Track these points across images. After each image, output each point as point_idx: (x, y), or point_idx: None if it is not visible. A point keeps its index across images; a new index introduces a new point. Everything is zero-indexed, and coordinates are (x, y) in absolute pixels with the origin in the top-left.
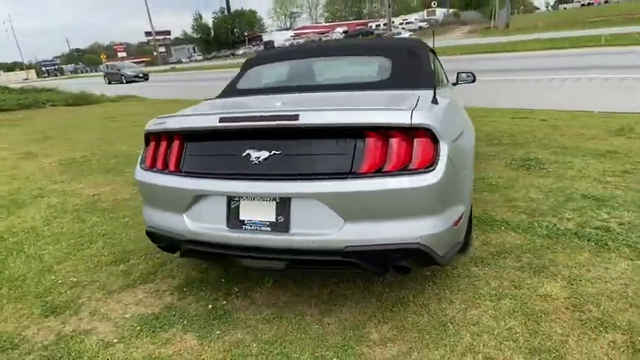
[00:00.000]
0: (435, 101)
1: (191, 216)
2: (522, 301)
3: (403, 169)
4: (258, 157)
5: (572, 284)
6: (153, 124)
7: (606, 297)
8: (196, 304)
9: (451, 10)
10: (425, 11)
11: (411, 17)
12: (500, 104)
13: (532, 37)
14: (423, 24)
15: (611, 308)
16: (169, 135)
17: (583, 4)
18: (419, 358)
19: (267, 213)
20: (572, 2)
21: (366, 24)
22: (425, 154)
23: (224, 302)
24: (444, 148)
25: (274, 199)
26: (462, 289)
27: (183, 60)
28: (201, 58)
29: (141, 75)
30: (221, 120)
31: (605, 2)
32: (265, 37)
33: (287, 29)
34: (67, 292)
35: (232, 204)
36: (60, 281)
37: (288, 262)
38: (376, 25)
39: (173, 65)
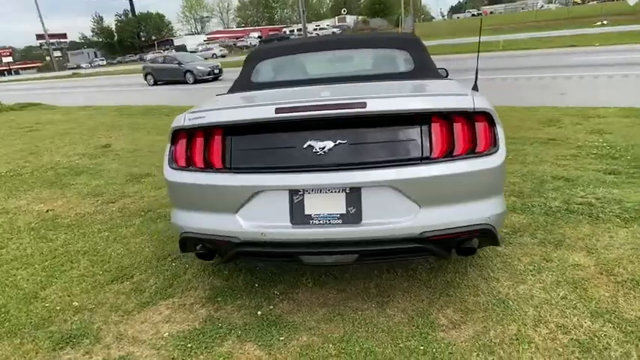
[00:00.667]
0: (475, 88)
1: (246, 215)
2: (560, 272)
3: (470, 153)
4: (323, 148)
5: (592, 253)
6: (187, 120)
7: (626, 260)
8: (239, 313)
9: (360, 17)
10: (336, 18)
11: (324, 23)
12: None
13: (437, 43)
14: (336, 30)
15: (636, 269)
16: (208, 130)
17: (473, 14)
18: (496, 336)
19: (336, 205)
20: (464, 12)
21: (279, 29)
22: (487, 137)
23: (271, 307)
24: (500, 131)
25: (344, 189)
26: (500, 267)
27: (83, 65)
28: (104, 63)
29: (217, 70)
30: (277, 111)
31: (491, 13)
32: (177, 42)
33: (198, 33)
34: (72, 318)
35: (295, 198)
36: (57, 308)
37: (359, 255)
38: (290, 31)
39: (75, 71)
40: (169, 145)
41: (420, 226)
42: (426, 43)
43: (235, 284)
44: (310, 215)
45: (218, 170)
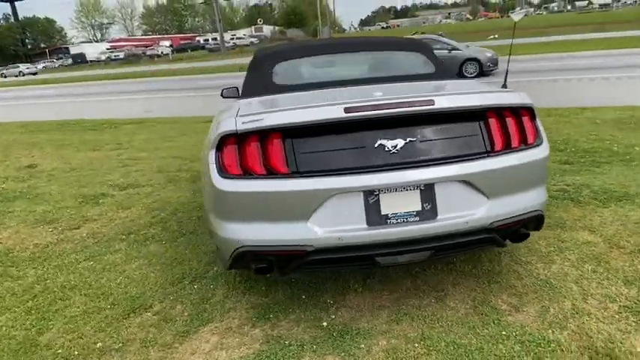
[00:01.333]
0: (505, 86)
1: (319, 221)
2: (579, 250)
3: (524, 145)
4: (395, 146)
5: (594, 231)
6: (241, 124)
7: (625, 234)
8: (300, 327)
9: (277, 28)
10: (252, 27)
11: (240, 33)
12: None
13: None
14: (254, 39)
15: (638, 240)
16: (264, 133)
17: (383, 27)
18: (558, 312)
19: (412, 203)
20: (375, 25)
21: (192, 38)
22: (533, 130)
23: (332, 317)
24: (540, 124)
25: (418, 186)
26: (526, 252)
27: None
28: None
29: None
30: (347, 110)
31: (397, 26)
32: (73, 50)
33: (98, 41)
34: None
35: (371, 199)
36: (75, 353)
37: (433, 251)
38: (204, 40)
39: None
40: (213, 152)
41: (490, 216)
42: None
43: (278, 298)
44: (387, 215)
45: (284, 176)
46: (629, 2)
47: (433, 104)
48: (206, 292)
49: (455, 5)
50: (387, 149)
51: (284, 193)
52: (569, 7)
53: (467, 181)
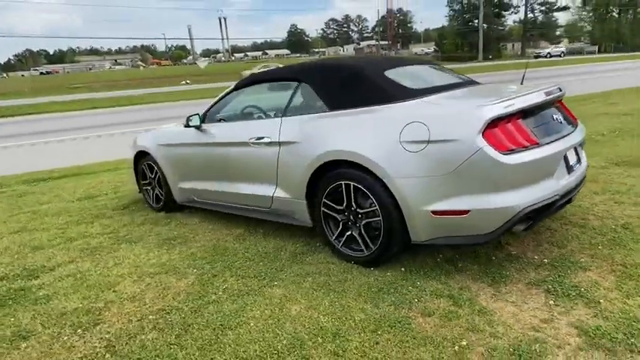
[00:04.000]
0: None
1: (557, 176)
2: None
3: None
4: (557, 118)
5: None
6: (503, 108)
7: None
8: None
9: None
10: None
11: None
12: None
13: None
14: None
15: None
16: (515, 115)
17: (42, 73)
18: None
19: (574, 156)
20: (30, 70)
21: None
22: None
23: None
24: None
25: (574, 146)
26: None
27: None
28: None
29: None
30: (546, 94)
31: (57, 72)
32: None
33: None
34: None
35: (565, 156)
36: None
37: (580, 185)
38: None
39: None
40: (480, 136)
41: (586, 165)
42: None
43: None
44: (572, 166)
45: (537, 145)
46: (272, 56)
47: (564, 92)
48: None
49: (119, 52)
50: (558, 120)
51: (544, 158)
52: (233, 57)
53: (581, 144)
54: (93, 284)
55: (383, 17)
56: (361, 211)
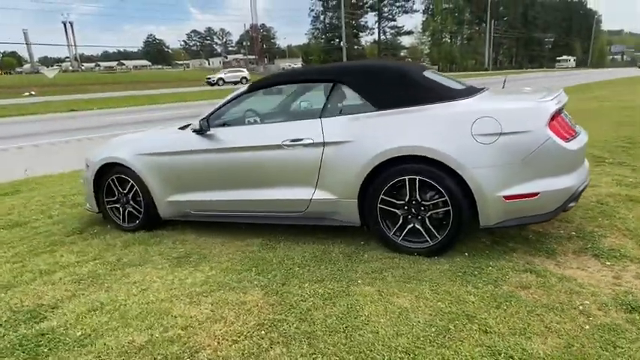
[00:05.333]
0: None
1: (585, 163)
2: None
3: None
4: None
5: None
6: (555, 104)
7: None
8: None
9: None
10: None
11: None
12: None
13: None
14: None
15: None
16: (560, 111)
17: None
18: None
19: None
20: None
21: None
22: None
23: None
24: None
25: None
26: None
27: None
28: None
29: None
30: (565, 95)
31: None
32: None
33: None
34: None
35: None
36: None
37: None
38: None
39: None
40: (547, 128)
41: None
42: None
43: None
44: None
45: (576, 136)
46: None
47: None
48: None
49: None
50: (569, 117)
51: (582, 147)
52: (82, 67)
53: None
54: (140, 313)
55: (247, 32)
56: (426, 203)
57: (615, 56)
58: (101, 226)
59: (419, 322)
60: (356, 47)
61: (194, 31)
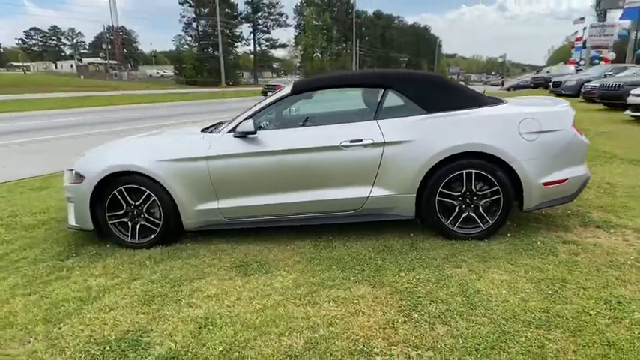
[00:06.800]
0: None
1: None
2: None
3: None
4: None
5: None
6: (573, 109)
7: None
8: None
9: None
10: None
11: None
12: None
13: None
14: None
15: None
16: None
17: None
18: None
19: None
20: None
21: None
22: None
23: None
24: None
25: None
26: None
27: None
28: None
29: None
30: None
31: None
32: None
33: None
34: None
35: None
36: None
37: None
38: None
39: None
40: (570, 126)
41: None
42: None
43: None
44: None
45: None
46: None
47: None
48: None
49: None
50: None
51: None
52: None
53: None
54: (264, 320)
55: (102, 34)
56: (480, 193)
57: (453, 75)
58: (93, 245)
59: (526, 288)
60: (232, 57)
61: (35, 29)
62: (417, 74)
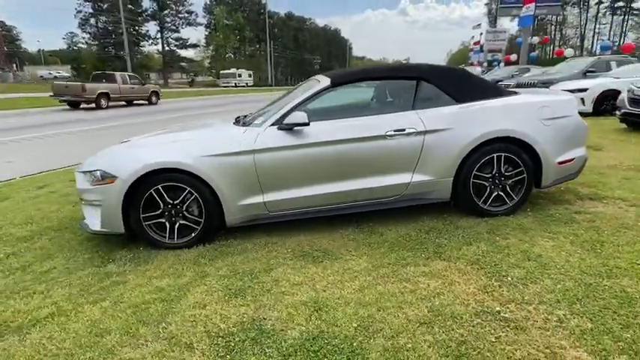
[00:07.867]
0: None
1: None
2: None
3: None
4: None
5: None
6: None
7: None
8: None
9: None
10: None
11: None
12: None
13: None
14: None
15: None
16: None
17: None
18: None
19: None
20: None
21: None
22: None
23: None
24: None
25: None
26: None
27: None
28: None
29: None
30: None
31: None
32: None
33: None
34: None
35: None
36: None
37: None
38: None
39: None
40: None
41: None
42: None
43: None
44: None
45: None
46: None
47: None
48: None
49: None
50: None
51: None
52: None
53: None
54: (377, 299)
55: None
56: (507, 173)
57: None
58: (122, 250)
59: (575, 250)
60: (138, 56)
61: None
62: (444, 67)
